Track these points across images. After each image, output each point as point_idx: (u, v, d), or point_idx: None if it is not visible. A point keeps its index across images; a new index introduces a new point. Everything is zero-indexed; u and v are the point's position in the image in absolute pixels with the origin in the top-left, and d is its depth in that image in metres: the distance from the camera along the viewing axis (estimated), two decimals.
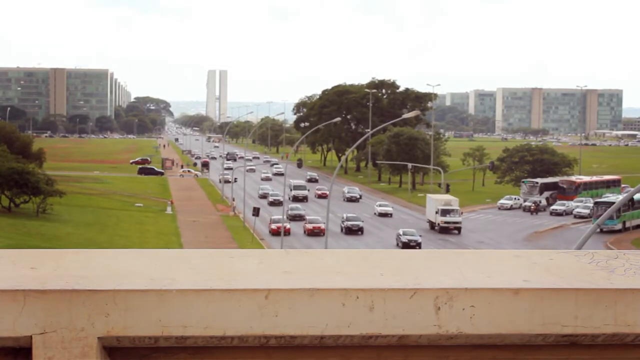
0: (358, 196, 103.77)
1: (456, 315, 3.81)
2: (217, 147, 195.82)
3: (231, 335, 3.78)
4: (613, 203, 72.12)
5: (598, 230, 63.33)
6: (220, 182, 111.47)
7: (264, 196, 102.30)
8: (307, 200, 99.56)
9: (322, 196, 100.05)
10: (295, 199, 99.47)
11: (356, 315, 3.76)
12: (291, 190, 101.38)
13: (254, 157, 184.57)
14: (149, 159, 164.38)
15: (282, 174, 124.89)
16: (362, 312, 3.76)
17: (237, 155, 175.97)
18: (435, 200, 79.02)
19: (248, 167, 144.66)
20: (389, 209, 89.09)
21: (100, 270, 3.94)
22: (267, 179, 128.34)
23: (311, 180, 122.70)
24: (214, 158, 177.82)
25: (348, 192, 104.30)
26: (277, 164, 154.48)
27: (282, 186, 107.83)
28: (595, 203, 79.30)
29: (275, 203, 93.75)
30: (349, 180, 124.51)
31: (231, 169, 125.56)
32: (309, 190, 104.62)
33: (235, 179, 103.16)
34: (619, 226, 74.89)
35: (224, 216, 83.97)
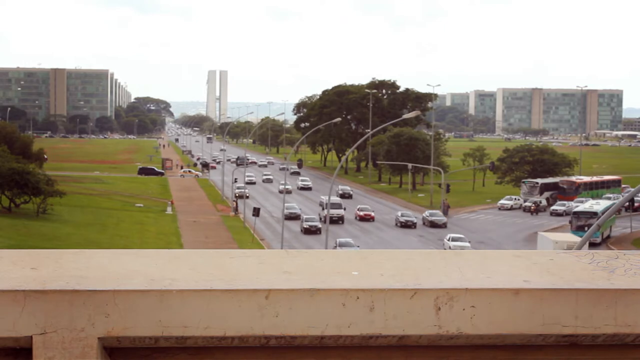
0: (414, 220, 79.26)
1: (456, 315, 3.81)
2: (224, 150, 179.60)
3: (231, 336, 3.78)
4: (594, 212, 69.15)
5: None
6: (235, 197, 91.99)
7: (291, 217, 79.04)
8: (343, 222, 79.04)
9: (365, 218, 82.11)
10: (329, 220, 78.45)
11: (356, 316, 3.76)
12: (323, 209, 79.46)
13: (268, 162, 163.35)
14: (45, 156, 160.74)
15: (309, 188, 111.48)
16: (363, 312, 3.76)
17: (248, 159, 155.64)
18: (554, 243, 52.74)
19: (264, 178, 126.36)
20: (466, 244, 66.36)
21: (101, 271, 3.94)
22: (287, 192, 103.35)
23: (344, 196, 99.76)
24: (219, 162, 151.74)
25: (402, 216, 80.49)
26: (297, 172, 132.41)
27: (308, 202, 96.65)
28: (574, 213, 73.49)
29: (312, 230, 72.84)
30: (348, 181, 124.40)
31: (253, 183, 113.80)
32: (345, 209, 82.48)
33: (236, 179, 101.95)
34: (599, 239, 67.36)
35: (224, 216, 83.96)
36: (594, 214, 67.61)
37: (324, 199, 79.81)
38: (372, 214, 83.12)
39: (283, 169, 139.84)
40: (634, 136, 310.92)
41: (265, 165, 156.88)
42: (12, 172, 67.28)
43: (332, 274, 3.98)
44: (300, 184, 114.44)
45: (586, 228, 60.73)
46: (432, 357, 4.00)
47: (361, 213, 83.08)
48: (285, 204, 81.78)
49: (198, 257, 4.33)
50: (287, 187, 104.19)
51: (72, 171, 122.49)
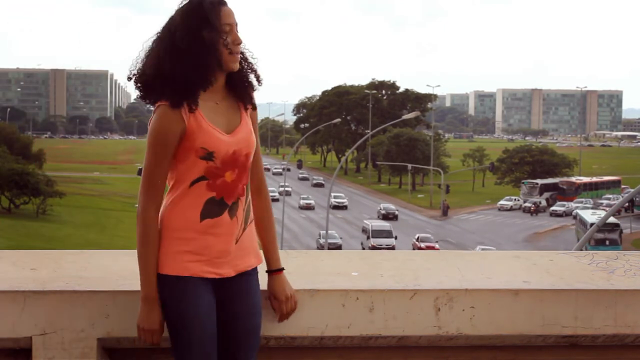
0: None
1: (456, 316, 3.81)
2: None
3: None
4: (616, 224, 64.15)
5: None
6: None
7: (331, 249, 59.79)
8: None
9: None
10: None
11: (356, 316, 3.76)
12: (368, 237, 63.77)
13: (284, 169, 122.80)
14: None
15: (343, 207, 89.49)
16: (362, 313, 3.76)
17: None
18: None
19: (282, 189, 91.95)
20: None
21: (100, 271, 3.93)
22: (308, 207, 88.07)
23: (388, 217, 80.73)
24: None
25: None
26: (321, 184, 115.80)
27: (346, 225, 76.48)
28: (592, 225, 67.95)
29: None
30: (348, 181, 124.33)
31: (275, 200, 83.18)
32: (396, 237, 64.23)
33: None
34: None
35: None
36: (615, 226, 61.79)
37: (369, 224, 64.68)
38: (437, 245, 62.35)
39: (304, 178, 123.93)
40: (634, 137, 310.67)
41: (280, 173, 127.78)
42: (12, 172, 67.20)
43: (332, 274, 3.98)
44: (333, 201, 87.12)
45: (607, 242, 59.19)
46: (431, 357, 4.00)
47: (422, 244, 62.57)
48: (321, 231, 63.45)
49: None
50: (309, 202, 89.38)
51: (71, 172, 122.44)
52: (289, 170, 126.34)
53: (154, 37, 3.56)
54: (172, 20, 3.54)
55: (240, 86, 3.63)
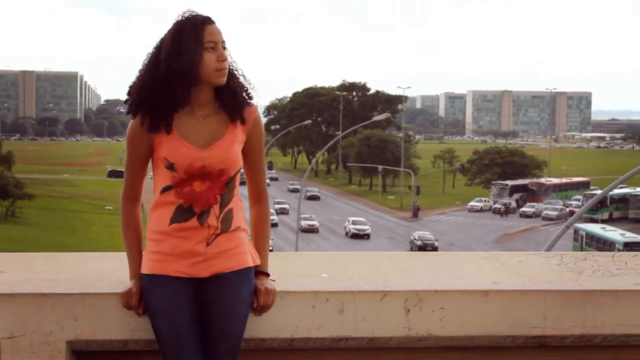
0: None
1: (426, 317, 3.82)
2: None
3: None
4: None
5: None
6: None
7: None
8: None
9: None
10: None
11: (326, 318, 3.76)
12: None
13: (272, 179, 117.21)
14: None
15: (365, 236, 67.38)
16: (332, 314, 3.76)
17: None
18: None
19: (278, 207, 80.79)
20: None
21: (70, 274, 3.91)
22: (312, 230, 69.23)
23: (426, 249, 59.67)
24: None
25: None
26: (316, 197, 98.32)
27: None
28: (626, 245, 59.07)
29: None
30: (319, 183, 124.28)
31: (274, 224, 67.98)
32: None
33: None
34: None
35: None
36: None
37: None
38: None
39: (294, 190, 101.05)
40: (603, 138, 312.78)
41: (267, 185, 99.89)
42: None
43: (302, 276, 3.98)
44: (351, 227, 68.96)
45: None
46: (402, 358, 4.00)
47: None
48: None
49: None
50: (312, 223, 70.30)
51: (41, 174, 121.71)
52: (276, 179, 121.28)
53: (145, 58, 3.66)
54: (160, 41, 3.63)
55: (228, 102, 3.66)
